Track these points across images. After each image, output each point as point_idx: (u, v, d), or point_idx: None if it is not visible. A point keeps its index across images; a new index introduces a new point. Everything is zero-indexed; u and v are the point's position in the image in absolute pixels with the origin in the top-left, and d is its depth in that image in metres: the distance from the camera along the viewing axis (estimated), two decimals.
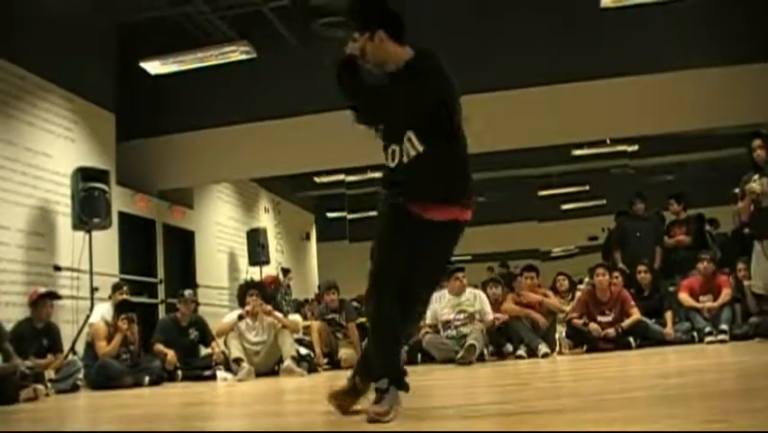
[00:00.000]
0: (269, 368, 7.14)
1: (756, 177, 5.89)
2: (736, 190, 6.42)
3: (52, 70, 8.16)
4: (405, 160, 2.91)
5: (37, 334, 6.46)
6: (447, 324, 7.42)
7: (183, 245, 11.02)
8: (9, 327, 6.25)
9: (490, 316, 7.42)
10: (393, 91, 2.97)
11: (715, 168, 13.95)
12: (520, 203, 17.27)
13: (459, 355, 6.89)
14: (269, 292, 10.46)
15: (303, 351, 7.42)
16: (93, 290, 7.76)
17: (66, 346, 7.03)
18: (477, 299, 7.48)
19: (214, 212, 12.13)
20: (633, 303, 7.61)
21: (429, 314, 7.47)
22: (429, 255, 2.97)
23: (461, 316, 7.39)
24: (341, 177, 15.44)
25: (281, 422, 3.47)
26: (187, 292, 7.81)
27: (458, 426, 2.80)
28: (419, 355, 7.44)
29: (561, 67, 8.89)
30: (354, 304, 8.54)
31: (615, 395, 2.80)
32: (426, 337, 7.40)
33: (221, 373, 7.05)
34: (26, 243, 7.66)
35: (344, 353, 7.81)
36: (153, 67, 9.29)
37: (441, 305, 7.48)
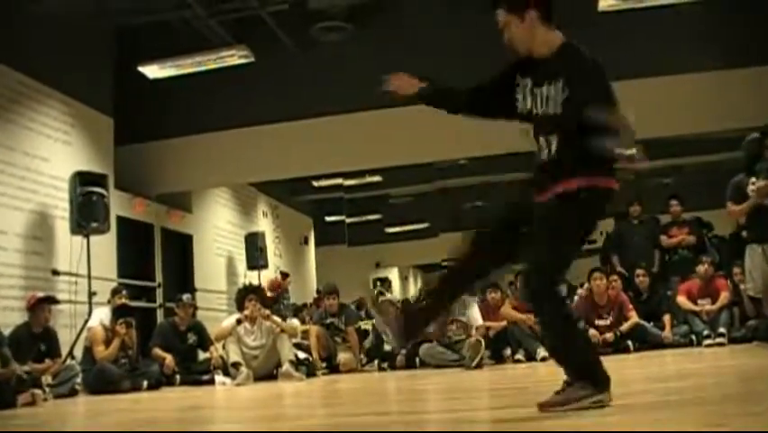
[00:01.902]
0: (268, 372, 7.13)
1: (754, 179, 5.86)
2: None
3: (50, 75, 8.16)
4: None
5: (35, 338, 6.46)
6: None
7: (181, 249, 11.01)
8: (7, 331, 6.25)
9: (479, 321, 7.40)
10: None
11: (712, 171, 13.97)
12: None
13: (466, 357, 6.86)
14: (274, 296, 10.47)
15: (301, 355, 7.42)
16: (91, 294, 7.75)
17: (64, 351, 7.02)
18: (466, 306, 7.45)
19: (213, 216, 12.13)
20: (631, 307, 7.62)
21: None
22: None
23: (454, 326, 7.37)
24: (339, 181, 15.44)
25: (279, 426, 3.47)
26: (186, 296, 7.82)
27: (456, 429, 2.81)
28: (417, 360, 7.46)
29: None
30: (352, 307, 8.53)
31: (612, 399, 2.79)
32: (424, 346, 7.41)
33: (219, 378, 7.04)
34: (24, 247, 7.65)
35: (343, 357, 7.81)
36: (151, 71, 9.30)
37: None
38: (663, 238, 8.66)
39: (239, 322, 7.13)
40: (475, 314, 7.42)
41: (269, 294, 10.39)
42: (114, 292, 7.71)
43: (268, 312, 7.23)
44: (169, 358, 7.23)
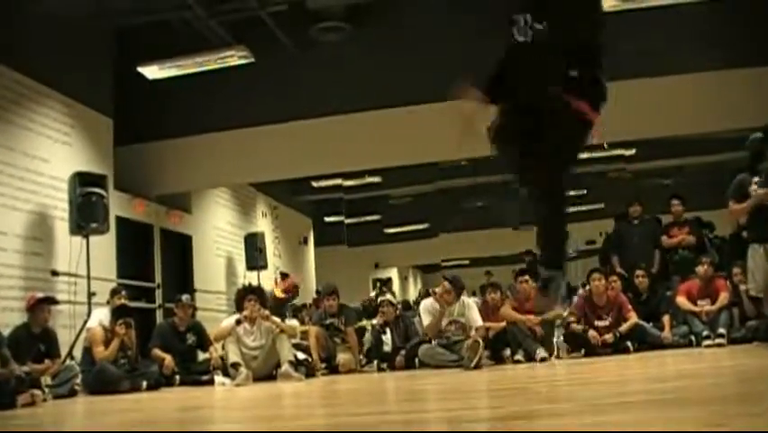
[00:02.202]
0: (267, 373, 7.13)
1: (756, 179, 5.86)
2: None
3: (50, 75, 8.16)
4: None
5: (34, 339, 6.46)
6: (439, 333, 7.40)
7: (181, 250, 11.01)
8: (6, 332, 6.25)
9: (479, 322, 7.38)
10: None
11: (712, 171, 13.98)
12: (518, 207, 17.28)
13: (464, 358, 6.85)
14: (285, 299, 10.41)
15: (300, 356, 7.41)
16: (90, 294, 7.75)
17: (63, 351, 7.03)
18: (465, 308, 7.45)
19: (212, 216, 12.12)
20: (630, 307, 7.61)
21: (427, 324, 7.43)
22: None
23: (453, 327, 7.36)
24: (338, 181, 15.45)
25: (278, 427, 3.47)
26: (185, 297, 7.82)
27: (456, 429, 2.80)
28: (416, 361, 7.46)
29: None
30: (355, 306, 8.50)
31: (611, 399, 2.79)
32: (423, 347, 7.41)
33: (218, 378, 7.05)
34: (24, 248, 7.65)
35: (342, 358, 7.80)
36: (151, 71, 9.30)
37: (431, 314, 7.43)
38: (664, 238, 8.66)
39: (238, 322, 7.13)
40: (475, 315, 7.41)
41: (282, 296, 10.35)
42: (114, 293, 7.71)
43: (267, 312, 7.22)
44: (168, 359, 7.23)
